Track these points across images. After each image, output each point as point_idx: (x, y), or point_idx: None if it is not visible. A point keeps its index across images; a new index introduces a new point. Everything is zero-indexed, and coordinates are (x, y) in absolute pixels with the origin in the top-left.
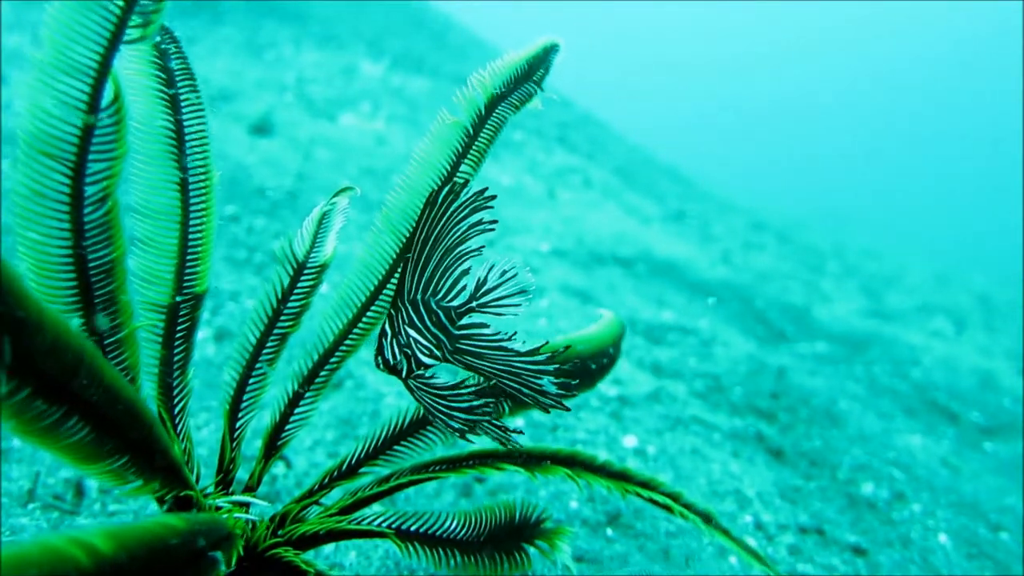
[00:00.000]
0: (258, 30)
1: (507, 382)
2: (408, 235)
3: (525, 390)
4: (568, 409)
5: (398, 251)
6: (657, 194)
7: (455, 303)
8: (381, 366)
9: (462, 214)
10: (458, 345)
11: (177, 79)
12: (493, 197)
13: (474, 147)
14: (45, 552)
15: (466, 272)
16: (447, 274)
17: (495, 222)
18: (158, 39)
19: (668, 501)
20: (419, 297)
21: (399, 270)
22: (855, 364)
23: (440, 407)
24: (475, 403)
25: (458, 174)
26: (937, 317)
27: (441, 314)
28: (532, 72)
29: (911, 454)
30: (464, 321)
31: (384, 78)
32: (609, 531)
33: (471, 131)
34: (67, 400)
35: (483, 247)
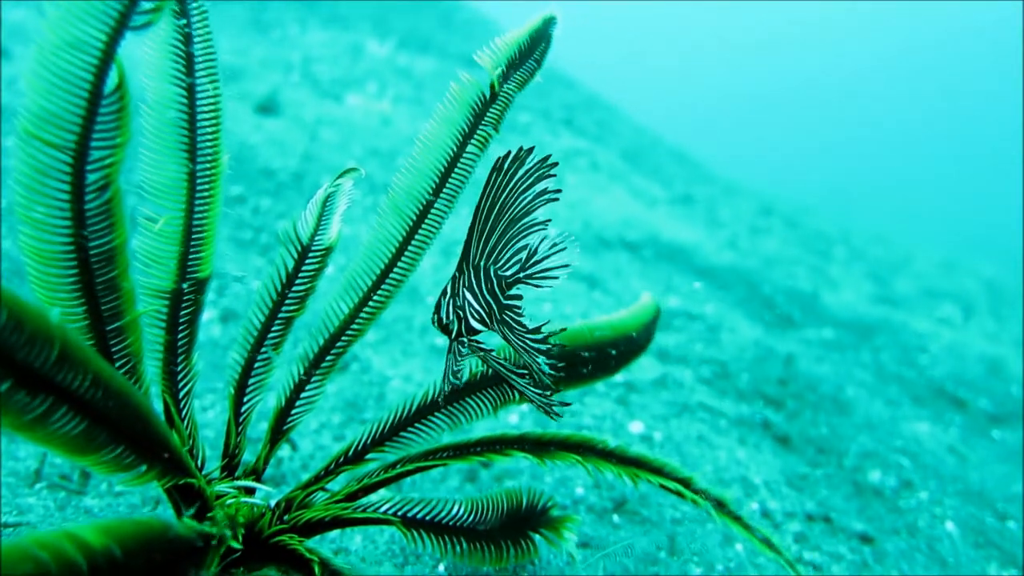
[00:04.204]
0: (264, 8)
1: (522, 355)
2: (415, 217)
3: (528, 365)
4: (558, 416)
5: (404, 234)
6: (664, 177)
7: (508, 273)
8: (436, 323)
9: (527, 182)
10: (504, 315)
11: (197, 66)
12: (555, 164)
13: (481, 127)
14: (41, 547)
15: (526, 246)
16: (509, 244)
17: (559, 191)
18: (183, 22)
19: (679, 487)
20: (482, 263)
21: (406, 254)
22: (862, 351)
23: (452, 368)
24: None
25: (464, 154)
26: (945, 303)
27: (495, 282)
28: (535, 47)
29: (918, 442)
30: (511, 292)
31: (390, 58)
32: (615, 517)
33: (477, 110)
34: (53, 393)
35: (549, 221)
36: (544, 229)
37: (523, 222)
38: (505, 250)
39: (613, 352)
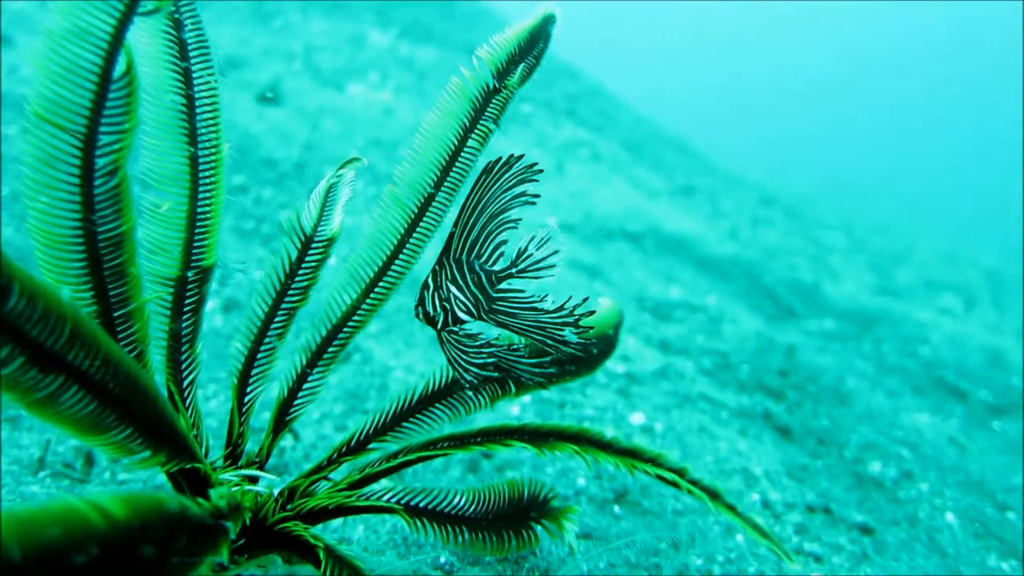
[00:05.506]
0: None
1: (535, 336)
2: (417, 209)
3: (549, 340)
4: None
5: (407, 225)
6: (666, 168)
7: (496, 267)
8: (421, 316)
9: (509, 184)
10: (494, 306)
11: (190, 51)
12: (540, 171)
13: (481, 121)
14: (65, 511)
15: (505, 241)
16: (490, 239)
17: (537, 196)
18: (172, 8)
19: (675, 477)
20: (463, 258)
21: (408, 246)
22: (864, 342)
23: (460, 359)
24: (488, 361)
25: (465, 148)
26: (945, 294)
27: (482, 276)
28: (534, 44)
29: (919, 433)
30: (503, 285)
31: (392, 48)
32: (616, 508)
33: (478, 105)
34: (64, 371)
35: (520, 220)
36: (515, 228)
37: (499, 219)
38: (486, 245)
39: (595, 351)
